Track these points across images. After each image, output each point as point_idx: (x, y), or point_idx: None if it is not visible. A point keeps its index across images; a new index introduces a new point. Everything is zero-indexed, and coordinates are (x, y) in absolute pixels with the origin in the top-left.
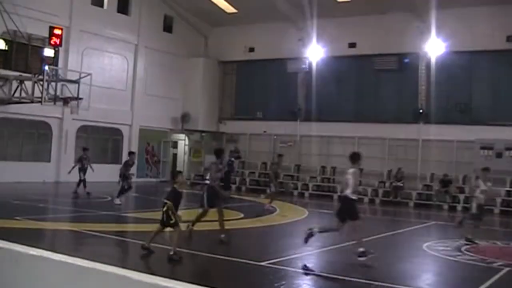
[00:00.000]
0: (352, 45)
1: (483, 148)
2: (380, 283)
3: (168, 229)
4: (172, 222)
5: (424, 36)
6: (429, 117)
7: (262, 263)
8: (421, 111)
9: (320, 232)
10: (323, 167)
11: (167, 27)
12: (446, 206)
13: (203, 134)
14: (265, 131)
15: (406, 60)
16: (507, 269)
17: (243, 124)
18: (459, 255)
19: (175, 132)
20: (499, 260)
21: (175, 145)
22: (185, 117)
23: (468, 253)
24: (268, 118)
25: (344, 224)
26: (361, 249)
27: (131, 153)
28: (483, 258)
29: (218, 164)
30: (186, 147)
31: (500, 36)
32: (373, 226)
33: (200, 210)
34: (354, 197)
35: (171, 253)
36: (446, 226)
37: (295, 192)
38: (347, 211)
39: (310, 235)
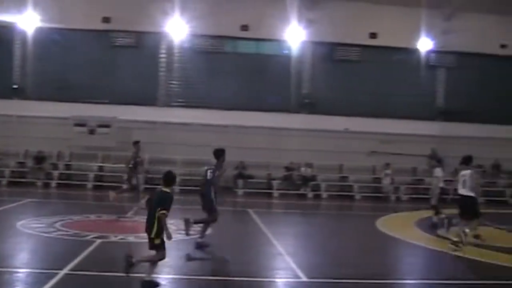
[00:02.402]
0: None
1: (77, 125)
2: None
3: None
4: None
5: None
6: (25, 93)
7: None
8: (15, 86)
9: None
10: None
11: None
12: (40, 183)
13: None
14: None
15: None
16: (100, 240)
17: None
18: (54, 231)
19: None
20: (92, 233)
21: None
22: None
23: (63, 228)
24: None
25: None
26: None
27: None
28: (77, 233)
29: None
30: None
31: (96, 17)
32: None
33: None
34: (472, 194)
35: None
36: (41, 204)
37: None
38: (469, 207)
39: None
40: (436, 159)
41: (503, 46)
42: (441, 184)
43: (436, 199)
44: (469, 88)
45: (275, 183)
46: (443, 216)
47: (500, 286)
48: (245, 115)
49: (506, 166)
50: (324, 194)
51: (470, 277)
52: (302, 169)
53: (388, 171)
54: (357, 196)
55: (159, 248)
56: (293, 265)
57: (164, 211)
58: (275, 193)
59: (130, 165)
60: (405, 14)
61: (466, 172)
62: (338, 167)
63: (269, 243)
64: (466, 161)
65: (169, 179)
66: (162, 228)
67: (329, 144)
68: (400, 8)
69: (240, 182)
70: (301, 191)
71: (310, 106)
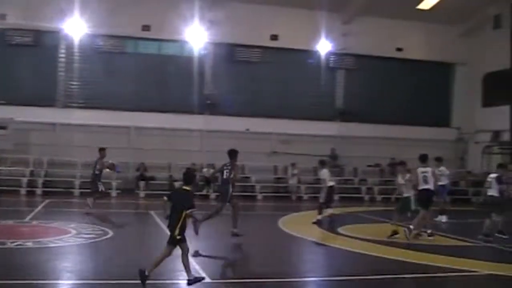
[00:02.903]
0: None
1: None
2: None
3: None
4: None
5: None
6: None
7: None
8: None
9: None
10: None
11: None
12: None
13: None
14: None
15: None
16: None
17: None
18: None
19: None
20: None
21: None
22: None
23: None
24: None
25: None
26: (414, 229)
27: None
28: None
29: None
30: None
31: None
32: None
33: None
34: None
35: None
36: None
37: None
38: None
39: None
40: (320, 161)
41: (399, 49)
42: (331, 183)
43: (324, 198)
44: (368, 90)
45: (177, 184)
46: (329, 213)
47: (391, 280)
48: (146, 116)
49: None
50: None
51: (369, 272)
52: (204, 170)
53: (295, 171)
54: (259, 196)
55: (181, 242)
56: (196, 266)
57: (192, 210)
58: None
59: (97, 172)
60: (306, 16)
61: (427, 169)
62: (240, 168)
63: None
64: (422, 159)
65: (189, 177)
66: (185, 225)
67: (231, 144)
68: (301, 11)
69: (142, 183)
70: (203, 192)
71: (211, 107)
